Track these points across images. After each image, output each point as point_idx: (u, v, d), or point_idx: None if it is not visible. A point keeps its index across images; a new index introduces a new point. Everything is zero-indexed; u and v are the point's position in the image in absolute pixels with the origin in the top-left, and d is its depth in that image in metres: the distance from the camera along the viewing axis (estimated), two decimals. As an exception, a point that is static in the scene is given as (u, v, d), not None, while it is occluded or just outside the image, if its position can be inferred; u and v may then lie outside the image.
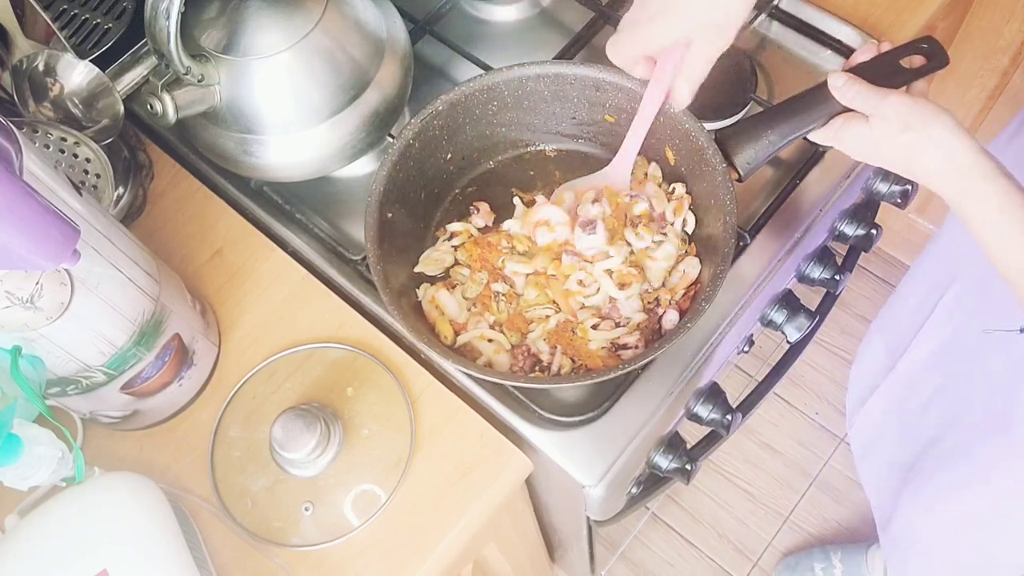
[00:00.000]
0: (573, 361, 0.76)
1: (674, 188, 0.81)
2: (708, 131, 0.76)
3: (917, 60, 0.73)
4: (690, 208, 0.80)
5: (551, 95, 0.82)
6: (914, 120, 0.65)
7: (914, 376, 1.01)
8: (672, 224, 0.79)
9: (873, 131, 0.67)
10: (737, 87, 0.91)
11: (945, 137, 0.64)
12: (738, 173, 0.75)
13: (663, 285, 0.78)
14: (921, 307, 1.00)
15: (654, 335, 0.76)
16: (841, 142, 0.70)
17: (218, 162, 0.84)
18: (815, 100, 0.74)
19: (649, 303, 0.77)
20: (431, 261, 0.80)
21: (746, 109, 0.89)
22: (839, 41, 0.94)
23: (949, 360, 0.95)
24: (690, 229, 0.80)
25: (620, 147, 0.79)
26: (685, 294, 0.77)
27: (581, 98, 0.82)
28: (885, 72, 0.75)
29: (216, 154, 0.83)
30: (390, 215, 0.77)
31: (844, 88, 0.69)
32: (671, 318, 0.76)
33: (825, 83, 0.72)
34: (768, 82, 0.94)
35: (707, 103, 0.76)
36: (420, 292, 0.79)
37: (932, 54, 0.74)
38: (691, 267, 0.78)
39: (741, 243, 0.83)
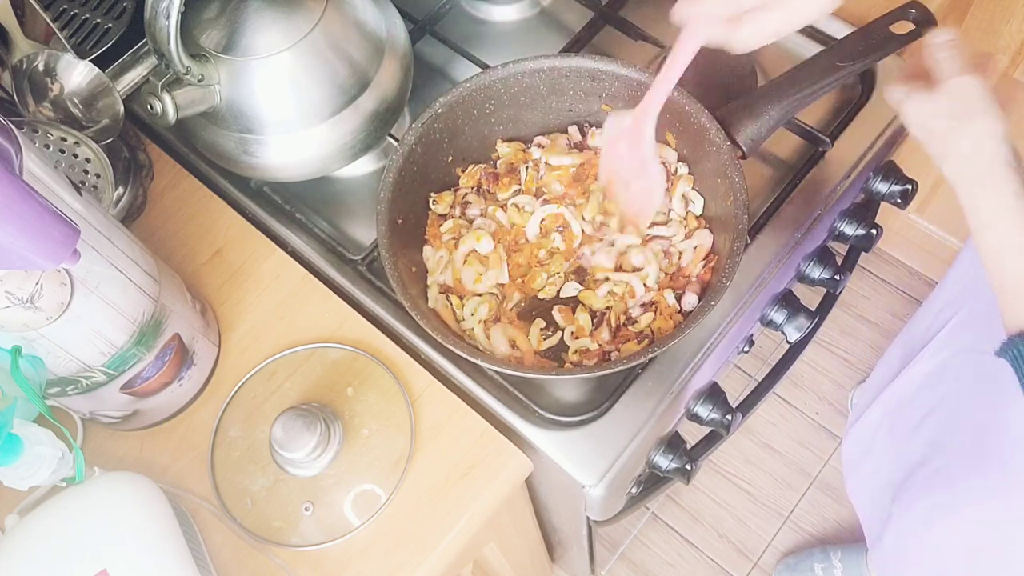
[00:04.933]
0: (653, 333, 0.76)
1: (676, 168, 0.81)
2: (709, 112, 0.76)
3: (906, 26, 0.73)
4: (696, 189, 0.81)
5: (547, 89, 0.82)
6: (965, 109, 0.63)
7: (910, 393, 1.01)
8: (670, 209, 0.81)
9: (929, 102, 0.65)
10: (737, 87, 0.91)
11: (982, 140, 0.62)
12: (742, 150, 0.76)
13: (678, 268, 0.79)
14: (931, 326, 1.00)
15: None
16: (904, 105, 0.67)
17: (218, 162, 0.84)
18: (813, 72, 0.74)
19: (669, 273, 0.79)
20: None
21: (746, 109, 0.89)
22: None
23: (943, 383, 0.95)
24: (697, 211, 0.81)
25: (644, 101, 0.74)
26: (706, 265, 0.78)
27: (577, 90, 0.82)
28: (876, 38, 0.77)
29: (216, 154, 0.83)
30: (400, 221, 0.77)
31: (942, 46, 0.66)
32: (690, 300, 0.76)
33: (818, 56, 0.72)
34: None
35: (706, 103, 0.77)
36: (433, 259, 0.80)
37: (920, 19, 0.75)
38: (703, 239, 0.79)
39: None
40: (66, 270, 0.60)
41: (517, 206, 0.82)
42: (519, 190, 0.84)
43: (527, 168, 0.83)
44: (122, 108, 0.81)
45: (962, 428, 0.89)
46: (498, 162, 0.86)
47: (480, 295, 0.78)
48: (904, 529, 0.99)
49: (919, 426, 0.97)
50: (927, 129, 0.65)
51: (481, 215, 0.82)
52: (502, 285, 0.79)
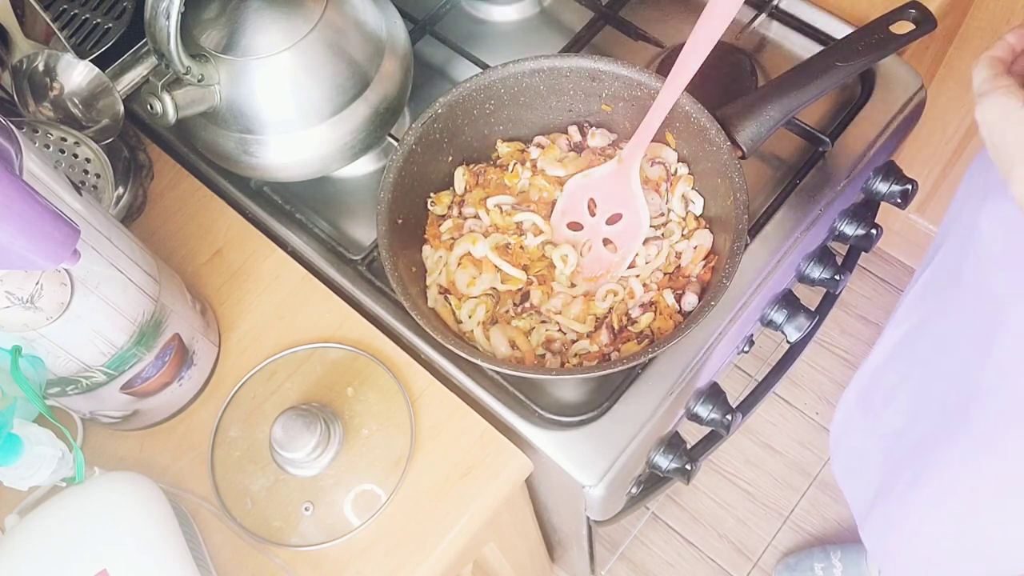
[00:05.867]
0: (653, 334, 0.76)
1: (676, 168, 0.81)
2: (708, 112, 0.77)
3: (906, 26, 0.73)
4: (696, 189, 0.81)
5: (547, 89, 0.82)
6: None
7: (880, 366, 1.01)
8: (670, 209, 0.81)
9: (1020, 108, 0.57)
10: (737, 87, 0.91)
11: None
12: (742, 150, 0.76)
13: (678, 268, 0.79)
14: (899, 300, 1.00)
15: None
16: (985, 97, 0.59)
17: (218, 162, 0.84)
18: (813, 72, 0.74)
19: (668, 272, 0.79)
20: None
21: (746, 109, 0.89)
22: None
23: (912, 349, 0.94)
24: (697, 211, 0.81)
25: (632, 137, 0.79)
26: (706, 265, 0.78)
27: (577, 90, 0.82)
28: (876, 38, 0.77)
29: (216, 154, 0.83)
30: (400, 221, 0.77)
31: None
32: (690, 300, 0.76)
33: (818, 56, 0.73)
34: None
35: (706, 103, 0.77)
36: (433, 257, 0.80)
37: (920, 19, 0.75)
38: (703, 239, 0.79)
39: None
40: (66, 270, 0.60)
41: (500, 208, 0.82)
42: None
43: (522, 166, 0.83)
44: (122, 108, 0.81)
45: (935, 394, 0.89)
46: (498, 162, 0.86)
47: (475, 297, 0.78)
48: (890, 501, 0.99)
49: (891, 398, 0.97)
50: (1000, 138, 0.57)
51: (475, 216, 0.82)
52: (496, 288, 0.79)
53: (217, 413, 0.79)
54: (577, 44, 0.96)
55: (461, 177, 0.83)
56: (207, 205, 0.90)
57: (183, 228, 0.88)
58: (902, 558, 1.05)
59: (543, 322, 0.77)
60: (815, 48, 0.94)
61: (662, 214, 0.81)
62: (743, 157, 0.77)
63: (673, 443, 0.86)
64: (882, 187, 0.93)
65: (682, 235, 0.80)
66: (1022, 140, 0.57)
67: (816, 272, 0.92)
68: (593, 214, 0.81)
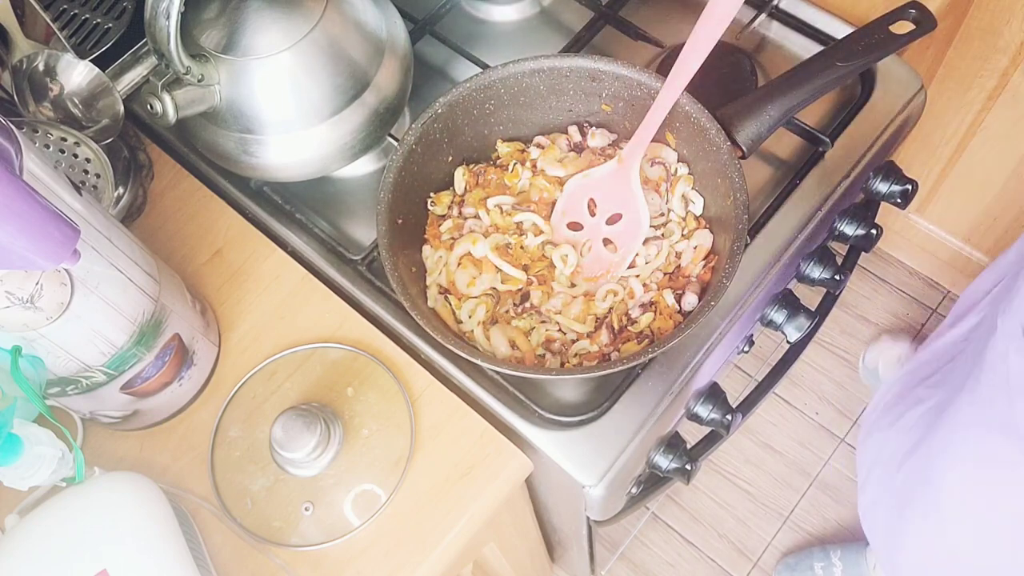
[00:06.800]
0: (653, 334, 0.76)
1: (676, 168, 0.81)
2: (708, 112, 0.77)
3: (906, 26, 0.74)
4: (696, 189, 0.81)
5: (547, 89, 0.82)
6: None
7: (920, 363, 1.00)
8: (670, 209, 0.81)
9: None
10: (737, 87, 0.91)
11: None
12: (742, 150, 0.76)
13: (678, 268, 0.79)
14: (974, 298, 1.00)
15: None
16: None
17: (218, 162, 0.84)
18: (813, 72, 0.74)
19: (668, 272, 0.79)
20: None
21: (746, 109, 0.89)
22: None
23: (955, 348, 0.94)
24: (697, 211, 0.81)
25: (632, 137, 0.79)
26: (706, 265, 0.78)
27: (577, 90, 0.82)
28: (876, 38, 0.77)
29: (216, 154, 0.83)
30: (400, 221, 0.77)
31: None
32: (690, 300, 0.76)
33: (818, 56, 0.73)
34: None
35: (706, 103, 0.77)
36: (432, 259, 0.80)
37: (920, 19, 0.75)
38: (703, 239, 0.79)
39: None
40: (66, 270, 0.60)
41: (500, 208, 0.82)
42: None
43: (522, 166, 0.83)
44: (122, 108, 0.81)
45: (963, 370, 0.88)
46: (498, 162, 0.86)
47: (475, 297, 0.78)
48: (893, 496, 0.98)
49: (917, 388, 0.97)
50: None
51: (475, 216, 0.82)
52: (496, 288, 0.79)
53: (217, 413, 0.79)
54: (577, 44, 0.96)
55: (461, 177, 0.83)
56: (207, 205, 0.90)
57: (183, 228, 0.88)
58: (895, 554, 1.05)
59: (543, 322, 0.77)
60: (815, 48, 0.94)
61: (662, 214, 0.81)
62: (743, 157, 0.77)
63: (673, 443, 0.86)
64: (882, 187, 0.93)
65: (682, 235, 0.80)
66: None
67: (816, 272, 0.92)
68: (593, 214, 0.81)
